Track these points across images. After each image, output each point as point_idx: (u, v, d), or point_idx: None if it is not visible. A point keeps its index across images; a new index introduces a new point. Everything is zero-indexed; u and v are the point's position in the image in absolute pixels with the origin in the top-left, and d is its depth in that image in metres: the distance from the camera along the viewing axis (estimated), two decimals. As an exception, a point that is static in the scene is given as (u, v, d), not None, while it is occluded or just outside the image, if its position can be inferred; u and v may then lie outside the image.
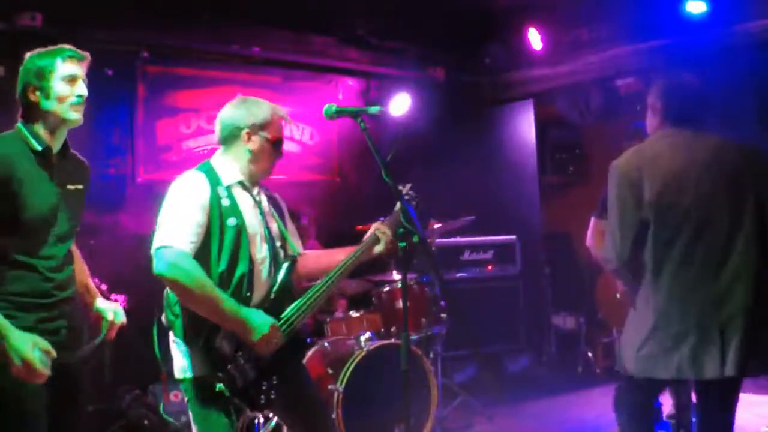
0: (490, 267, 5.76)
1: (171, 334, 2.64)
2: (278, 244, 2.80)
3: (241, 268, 2.59)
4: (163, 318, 2.66)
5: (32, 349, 2.29)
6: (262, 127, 2.72)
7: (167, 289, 2.60)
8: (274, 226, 2.82)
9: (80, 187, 2.68)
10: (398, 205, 2.91)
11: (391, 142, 5.89)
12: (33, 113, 2.52)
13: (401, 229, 2.58)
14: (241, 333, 2.52)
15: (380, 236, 2.89)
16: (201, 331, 2.51)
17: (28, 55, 2.55)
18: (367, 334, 4.25)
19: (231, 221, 2.59)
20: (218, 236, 2.56)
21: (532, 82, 6.40)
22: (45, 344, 2.33)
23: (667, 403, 4.59)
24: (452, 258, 5.69)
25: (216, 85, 5.50)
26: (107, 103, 4.96)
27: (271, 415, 3.94)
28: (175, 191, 2.59)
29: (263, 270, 2.68)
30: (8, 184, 2.38)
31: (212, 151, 2.85)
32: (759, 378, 5.18)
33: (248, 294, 2.62)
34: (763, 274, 2.60)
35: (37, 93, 2.49)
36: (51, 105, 2.50)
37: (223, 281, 2.55)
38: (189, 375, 2.57)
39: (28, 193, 2.43)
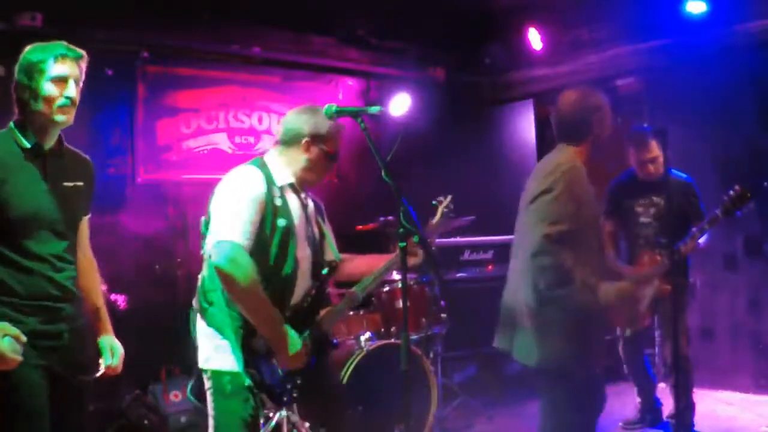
0: (490, 267, 5.76)
1: (201, 322, 2.66)
2: (319, 248, 2.86)
3: (287, 269, 2.64)
4: (194, 302, 2.68)
5: (1, 337, 2.25)
6: (324, 139, 2.77)
7: (204, 276, 2.64)
8: (317, 230, 2.87)
9: (79, 184, 2.64)
10: (437, 215, 2.96)
11: (391, 142, 5.87)
12: (23, 111, 2.49)
13: (401, 229, 2.58)
14: (276, 343, 2.56)
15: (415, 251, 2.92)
16: (235, 326, 2.54)
17: (24, 50, 2.51)
18: (367, 334, 4.25)
19: (281, 221, 2.63)
20: (268, 235, 2.60)
21: (532, 82, 6.40)
22: (14, 331, 2.29)
23: (667, 403, 4.60)
24: (452, 258, 5.68)
25: (216, 85, 5.50)
26: (107, 103, 4.96)
27: (271, 414, 3.94)
28: (233, 185, 2.63)
29: (305, 272, 2.74)
30: None
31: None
32: (759, 378, 5.22)
33: (289, 294, 2.67)
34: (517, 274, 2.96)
35: (27, 92, 2.46)
36: (39, 106, 2.46)
37: (268, 279, 2.59)
38: (215, 366, 2.60)
39: (13, 192, 2.39)
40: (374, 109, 2.72)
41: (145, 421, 4.48)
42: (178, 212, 5.17)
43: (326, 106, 2.69)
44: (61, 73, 2.46)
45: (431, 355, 4.66)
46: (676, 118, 5.40)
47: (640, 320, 4.39)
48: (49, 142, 2.53)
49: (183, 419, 4.50)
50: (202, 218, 2.65)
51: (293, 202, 2.75)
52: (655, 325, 4.69)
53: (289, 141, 2.78)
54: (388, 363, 4.04)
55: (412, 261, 2.92)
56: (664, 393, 4.77)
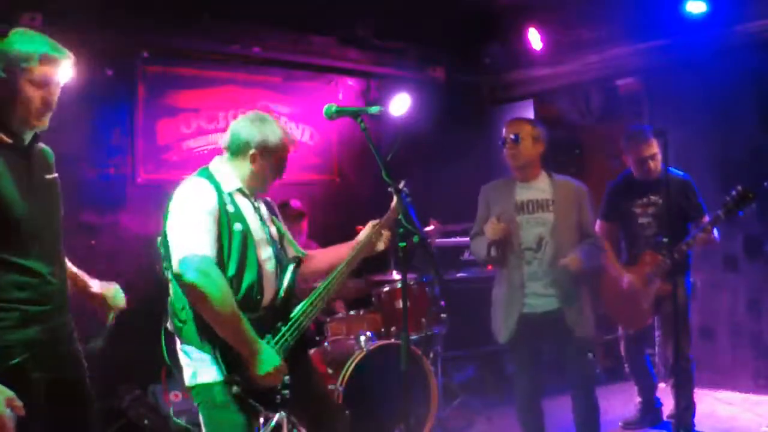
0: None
1: (178, 341, 2.63)
2: (279, 247, 2.83)
3: (249, 273, 2.60)
4: (169, 325, 2.65)
5: (5, 405, 2.09)
6: (271, 152, 2.73)
7: (171, 297, 2.60)
8: (274, 230, 2.84)
9: (55, 175, 2.52)
10: (394, 201, 2.94)
11: (391, 142, 5.89)
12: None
13: (401, 229, 2.58)
14: (248, 358, 2.50)
15: (378, 235, 2.98)
16: (212, 336, 2.50)
17: (10, 33, 2.31)
18: (367, 334, 4.26)
19: (237, 226, 2.60)
20: (227, 242, 2.56)
21: (532, 82, 6.40)
22: (18, 403, 2.13)
23: (667, 403, 4.60)
24: (452, 258, 5.68)
25: (216, 85, 5.50)
26: (107, 103, 4.95)
27: (271, 414, 3.94)
28: (184, 198, 2.57)
29: (270, 272, 2.70)
30: None
31: (213, 152, 2.86)
32: (759, 378, 5.22)
33: (258, 296, 2.63)
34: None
35: (3, 88, 2.27)
36: (15, 107, 2.28)
37: (233, 285, 2.56)
38: (202, 380, 2.57)
39: (10, 191, 2.26)
40: (374, 109, 2.72)
41: (145, 421, 4.48)
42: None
43: (326, 106, 2.69)
44: (44, 77, 2.30)
45: (431, 355, 4.66)
46: (676, 118, 5.40)
47: (642, 320, 4.40)
48: (28, 137, 2.40)
49: (183, 419, 4.50)
50: (158, 238, 2.59)
51: (245, 206, 2.70)
52: (656, 324, 4.69)
53: (235, 150, 2.72)
54: (388, 363, 4.04)
55: (380, 245, 3.01)
56: (664, 393, 4.77)
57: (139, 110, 5.17)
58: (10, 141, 2.31)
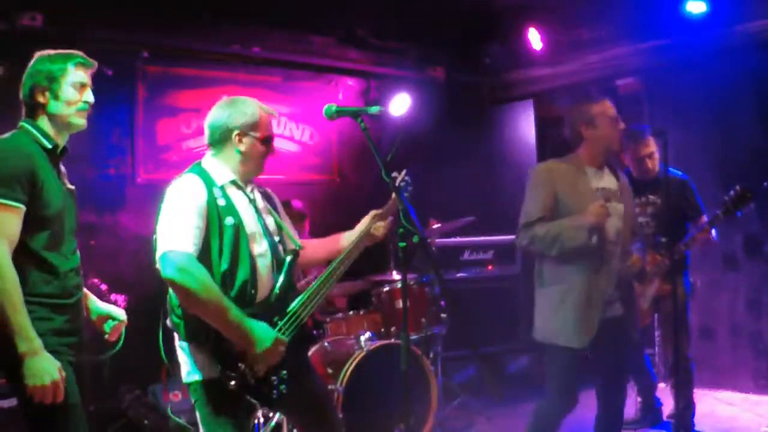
0: (490, 267, 5.76)
1: (176, 337, 2.64)
2: (277, 239, 2.79)
3: (243, 266, 2.58)
4: (168, 321, 2.65)
5: (58, 372, 2.38)
6: (253, 127, 2.72)
7: (170, 292, 2.59)
8: (271, 222, 2.81)
9: (72, 187, 2.72)
10: (393, 196, 2.94)
11: (391, 142, 5.89)
12: (39, 114, 2.56)
13: (401, 229, 2.58)
14: (243, 344, 2.50)
15: (377, 224, 2.99)
16: (208, 332, 2.50)
17: (37, 55, 2.59)
18: (367, 334, 4.26)
19: (228, 220, 2.58)
20: (218, 236, 2.55)
21: (532, 82, 6.40)
22: (64, 374, 2.42)
23: (667, 403, 4.60)
24: (452, 258, 5.68)
25: (216, 85, 5.50)
26: (107, 103, 4.95)
27: (271, 414, 3.94)
28: (172, 195, 2.58)
29: (265, 266, 2.68)
30: (35, 181, 2.43)
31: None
32: (759, 378, 5.22)
33: (252, 291, 2.61)
34: None
35: (47, 94, 2.54)
36: (58, 108, 2.55)
37: (226, 280, 2.55)
38: (198, 377, 2.57)
39: (48, 190, 2.48)
40: (374, 109, 2.71)
41: (145, 421, 4.49)
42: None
43: (326, 106, 2.69)
44: (81, 80, 2.60)
45: (431, 355, 4.66)
46: (676, 118, 5.41)
47: (641, 319, 4.39)
48: (62, 144, 2.62)
49: (183, 419, 4.50)
50: (153, 237, 2.59)
51: (238, 198, 2.69)
52: (656, 324, 4.69)
53: (219, 140, 2.73)
54: (388, 363, 4.04)
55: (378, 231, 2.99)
56: (664, 393, 4.77)
57: (139, 110, 5.18)
58: (49, 146, 2.55)
